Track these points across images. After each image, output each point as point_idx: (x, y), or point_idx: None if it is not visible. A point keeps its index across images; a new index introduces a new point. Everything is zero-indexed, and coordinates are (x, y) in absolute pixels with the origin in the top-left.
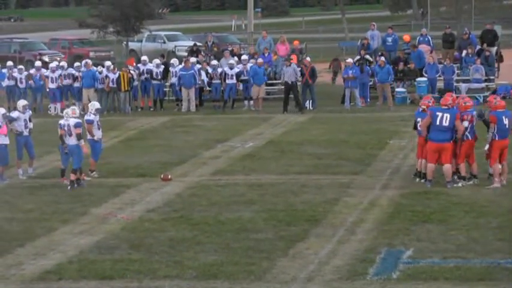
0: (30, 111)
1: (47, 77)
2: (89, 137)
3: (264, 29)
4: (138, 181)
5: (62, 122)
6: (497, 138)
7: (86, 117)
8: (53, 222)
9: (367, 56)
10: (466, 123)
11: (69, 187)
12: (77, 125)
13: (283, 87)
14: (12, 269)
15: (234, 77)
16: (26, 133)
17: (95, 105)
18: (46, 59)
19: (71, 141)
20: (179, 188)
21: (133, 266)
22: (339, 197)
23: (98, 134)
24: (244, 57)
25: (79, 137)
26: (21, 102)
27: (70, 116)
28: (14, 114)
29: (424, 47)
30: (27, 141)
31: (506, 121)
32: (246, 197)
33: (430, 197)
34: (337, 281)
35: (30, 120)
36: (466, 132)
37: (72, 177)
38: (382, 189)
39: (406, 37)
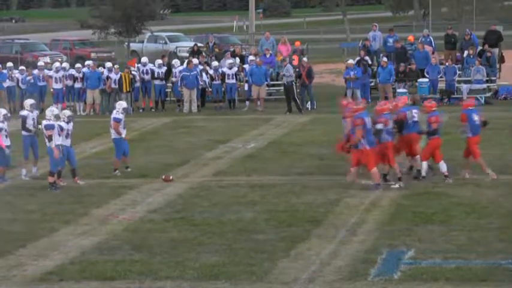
0: (37, 111)
1: (50, 77)
2: (113, 135)
3: (264, 29)
4: (140, 182)
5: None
6: (470, 135)
7: (114, 115)
8: (55, 223)
9: (366, 58)
10: (380, 126)
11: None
12: (46, 127)
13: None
14: (13, 270)
15: (234, 77)
16: (33, 132)
17: (122, 104)
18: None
19: (47, 142)
20: (181, 188)
21: (135, 266)
22: (340, 198)
23: (122, 132)
24: (251, 57)
25: (49, 139)
26: (29, 101)
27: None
28: (23, 113)
29: (426, 48)
30: (34, 141)
31: (476, 118)
32: (248, 198)
33: (431, 197)
34: (339, 281)
35: (37, 120)
36: (384, 135)
37: (49, 179)
38: (384, 190)
39: (410, 38)
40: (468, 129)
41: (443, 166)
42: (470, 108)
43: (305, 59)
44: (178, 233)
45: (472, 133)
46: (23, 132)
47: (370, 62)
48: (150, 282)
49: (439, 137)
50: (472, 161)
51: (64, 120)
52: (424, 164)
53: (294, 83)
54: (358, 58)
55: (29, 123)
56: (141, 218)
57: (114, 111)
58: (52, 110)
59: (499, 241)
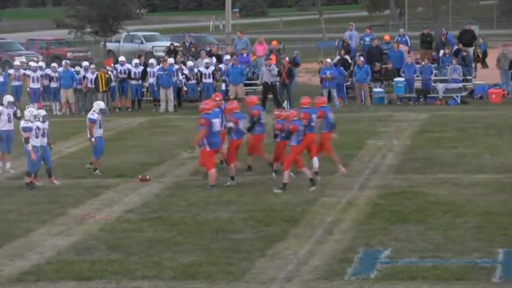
0: (15, 108)
1: (28, 76)
2: (89, 135)
3: (241, 29)
4: (116, 182)
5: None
6: (323, 131)
7: (89, 115)
8: (31, 223)
9: (347, 57)
10: (230, 124)
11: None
12: (24, 129)
13: (261, 87)
14: None
15: (211, 77)
16: (10, 127)
17: (99, 105)
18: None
19: (24, 144)
20: (157, 188)
21: (112, 266)
22: (317, 197)
23: (99, 132)
24: (227, 57)
25: (26, 141)
26: (7, 98)
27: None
28: None
29: (402, 47)
30: (9, 136)
31: (331, 116)
32: (225, 198)
33: (408, 196)
34: (316, 281)
35: (15, 116)
36: (232, 134)
37: (26, 179)
38: (360, 189)
39: (387, 37)
40: (324, 125)
41: (315, 162)
42: (326, 106)
43: (287, 58)
44: (155, 233)
45: (327, 129)
46: (1, 127)
47: (350, 61)
48: (126, 282)
49: (312, 133)
50: (331, 155)
51: (39, 120)
52: (315, 160)
53: (276, 82)
54: (338, 57)
55: (3, 119)
56: (117, 217)
57: (91, 112)
58: (31, 111)
59: (475, 240)
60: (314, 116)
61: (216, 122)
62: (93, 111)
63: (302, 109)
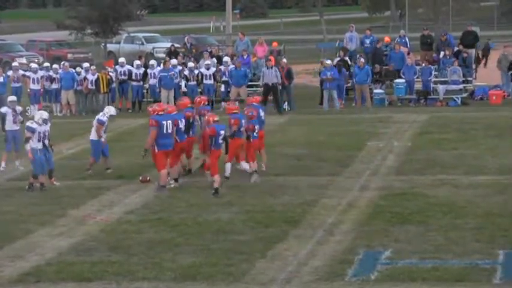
0: (19, 113)
1: (28, 77)
2: (91, 137)
3: (241, 30)
4: (117, 183)
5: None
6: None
7: (100, 117)
8: (31, 224)
9: (346, 58)
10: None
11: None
12: (27, 129)
13: (261, 88)
14: None
15: (212, 78)
16: (15, 127)
17: (111, 110)
18: (22, 60)
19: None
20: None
21: (112, 267)
22: (318, 199)
23: (103, 135)
24: (225, 58)
25: (26, 140)
26: (10, 98)
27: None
28: (3, 109)
29: (402, 49)
30: (16, 136)
31: (262, 113)
32: (225, 199)
33: (408, 198)
34: (316, 282)
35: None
36: (176, 136)
37: (30, 180)
38: (361, 191)
39: (387, 39)
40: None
41: (245, 165)
42: (257, 104)
43: (284, 60)
44: (155, 234)
45: (258, 127)
46: (6, 128)
47: (350, 63)
48: (127, 283)
49: (240, 138)
50: (261, 152)
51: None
52: (228, 165)
53: (278, 84)
54: (338, 58)
55: (9, 119)
56: (118, 219)
57: (101, 114)
58: (41, 113)
59: (476, 241)
60: (244, 121)
61: (167, 123)
62: (104, 114)
63: (232, 115)
